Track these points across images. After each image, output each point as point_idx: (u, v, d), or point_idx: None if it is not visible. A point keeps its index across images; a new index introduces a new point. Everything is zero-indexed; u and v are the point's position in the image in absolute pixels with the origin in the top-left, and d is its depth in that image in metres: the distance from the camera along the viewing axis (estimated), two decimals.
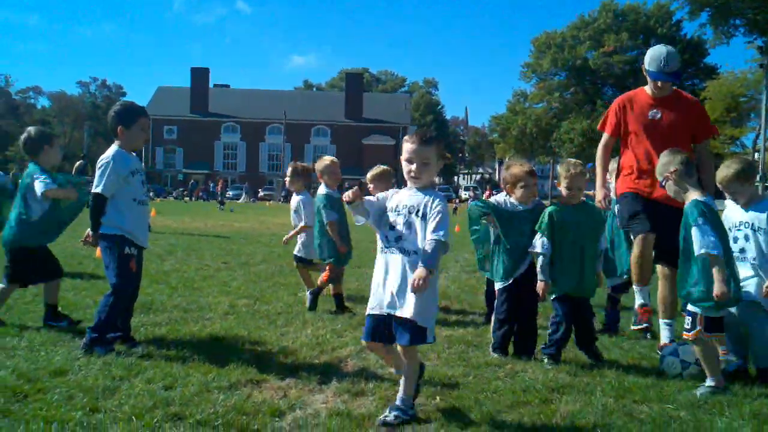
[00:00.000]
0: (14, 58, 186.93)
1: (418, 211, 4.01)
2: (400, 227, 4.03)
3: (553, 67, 73.55)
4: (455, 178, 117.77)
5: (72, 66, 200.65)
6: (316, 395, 4.44)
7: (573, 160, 5.79)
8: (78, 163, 32.88)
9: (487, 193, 45.65)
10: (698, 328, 4.74)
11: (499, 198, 5.93)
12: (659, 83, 6.08)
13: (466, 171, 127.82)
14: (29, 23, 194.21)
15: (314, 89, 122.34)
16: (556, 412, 4.20)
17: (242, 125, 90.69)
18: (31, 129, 6.38)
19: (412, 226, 4.01)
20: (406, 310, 3.89)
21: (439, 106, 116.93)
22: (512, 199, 5.77)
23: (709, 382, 4.74)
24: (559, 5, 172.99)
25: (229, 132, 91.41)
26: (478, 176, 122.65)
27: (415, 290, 3.76)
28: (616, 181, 6.52)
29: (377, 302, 4.06)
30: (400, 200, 4.11)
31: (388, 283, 4.01)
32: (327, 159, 7.65)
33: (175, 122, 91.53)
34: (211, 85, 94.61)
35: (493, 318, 5.85)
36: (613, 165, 6.70)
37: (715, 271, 4.57)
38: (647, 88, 6.24)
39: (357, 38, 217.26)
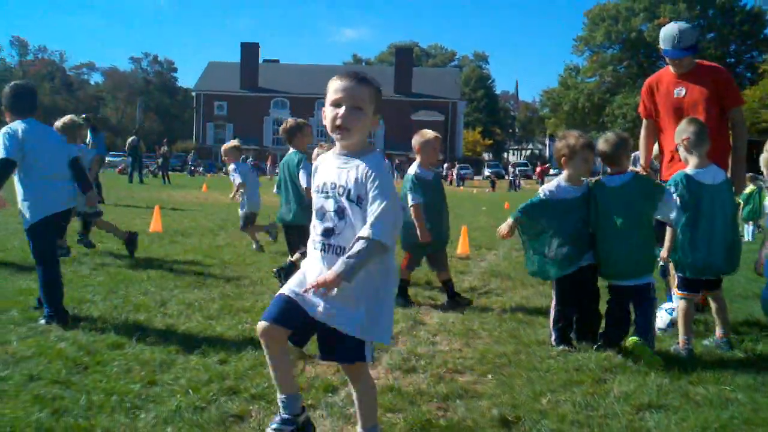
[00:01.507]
0: (68, 35, 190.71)
1: (349, 192, 2.97)
2: (329, 216, 3.02)
3: (606, 40, 72.29)
4: (505, 154, 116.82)
5: (124, 42, 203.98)
6: None
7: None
8: (131, 138, 33.51)
9: (539, 168, 45.07)
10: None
11: (551, 186, 5.41)
12: (676, 60, 5.97)
13: (517, 147, 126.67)
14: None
15: (363, 63, 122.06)
16: (610, 392, 4.16)
17: (291, 100, 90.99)
18: (290, 119, 7.34)
19: (346, 214, 2.99)
20: (339, 320, 2.99)
21: (490, 81, 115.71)
22: (564, 181, 5.37)
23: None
24: None
25: (279, 107, 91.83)
26: (529, 152, 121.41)
27: (308, 289, 2.95)
28: (660, 165, 6.39)
29: (293, 292, 3.08)
30: (327, 176, 3.07)
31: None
32: (429, 134, 6.80)
33: (225, 98, 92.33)
34: (260, 61, 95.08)
35: (552, 310, 5.39)
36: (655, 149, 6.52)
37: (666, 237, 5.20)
38: (671, 67, 6.13)
39: (407, 12, 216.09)
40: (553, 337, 5.26)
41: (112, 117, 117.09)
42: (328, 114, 3.00)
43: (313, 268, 3.05)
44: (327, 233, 3.01)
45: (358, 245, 2.85)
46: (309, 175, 6.90)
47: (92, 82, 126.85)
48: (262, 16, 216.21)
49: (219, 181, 42.28)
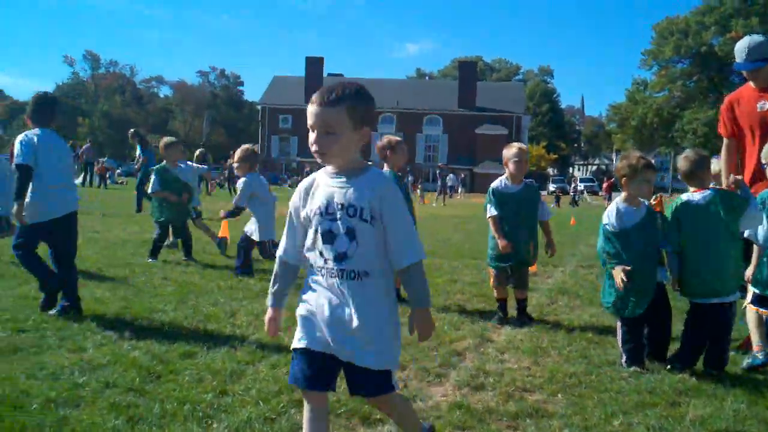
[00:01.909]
0: (138, 49, 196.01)
1: (361, 212, 2.79)
2: (341, 240, 2.82)
3: (675, 54, 70.86)
4: (570, 169, 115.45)
5: (192, 56, 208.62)
6: (435, 387, 4.46)
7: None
8: (198, 151, 34.10)
9: (606, 184, 44.28)
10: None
11: (612, 217, 5.24)
12: (751, 73, 5.85)
13: (582, 162, 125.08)
14: (154, 14, 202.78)
15: (427, 78, 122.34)
16: (685, 416, 4.04)
17: None
18: (386, 136, 7.29)
19: (356, 235, 2.80)
20: (366, 357, 2.83)
21: (555, 95, 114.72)
22: (622, 203, 5.27)
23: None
24: None
25: None
26: (594, 167, 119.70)
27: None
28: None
29: (313, 338, 2.92)
30: (328, 197, 2.86)
31: (330, 321, 2.85)
32: (515, 146, 6.67)
33: (289, 111, 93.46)
34: (325, 75, 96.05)
35: (618, 330, 5.28)
36: (715, 166, 6.30)
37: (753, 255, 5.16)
38: (751, 82, 5.97)
39: (471, 26, 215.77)
40: (623, 358, 5.14)
41: (179, 130, 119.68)
42: (310, 138, 2.87)
43: (323, 300, 2.88)
44: (339, 258, 2.81)
45: (414, 275, 2.82)
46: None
47: (161, 95, 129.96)
48: (327, 31, 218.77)
49: (283, 193, 42.84)
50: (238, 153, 8.46)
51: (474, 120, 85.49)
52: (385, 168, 7.28)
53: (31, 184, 5.73)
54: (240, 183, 8.40)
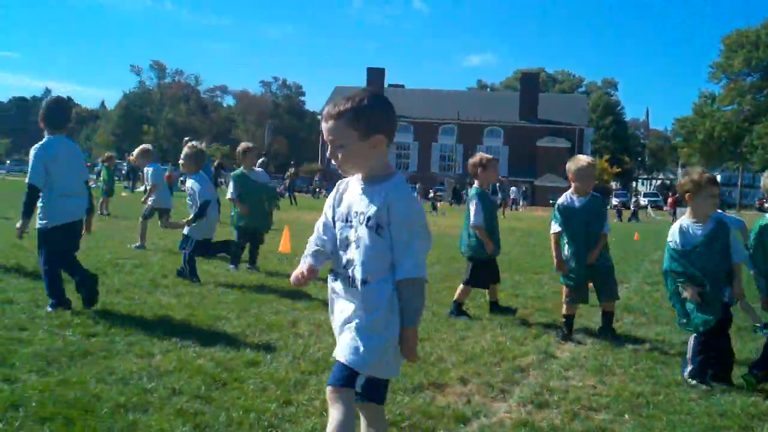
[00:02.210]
0: (204, 59, 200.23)
1: (368, 219, 2.79)
2: (352, 247, 2.86)
3: (745, 67, 69.27)
4: (634, 183, 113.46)
5: (255, 66, 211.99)
6: (499, 403, 4.41)
7: None
8: (260, 160, 34.57)
9: (671, 199, 43.39)
10: None
11: (676, 236, 5.21)
12: None
13: (646, 176, 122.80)
14: (219, 24, 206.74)
15: (488, 89, 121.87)
16: None
17: (415, 125, 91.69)
18: (478, 154, 7.40)
19: (362, 243, 2.81)
20: (348, 353, 2.85)
21: (619, 108, 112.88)
22: (687, 220, 5.22)
23: None
24: (754, 1, 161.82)
25: (403, 131, 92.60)
26: (659, 182, 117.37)
27: (412, 358, 2.84)
28: None
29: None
30: (351, 203, 2.90)
31: (338, 325, 2.99)
32: (583, 160, 6.58)
33: None
34: (386, 85, 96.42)
35: (692, 340, 5.21)
36: None
37: None
38: None
39: (533, 38, 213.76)
40: (689, 368, 5.09)
41: (242, 139, 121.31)
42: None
43: (336, 305, 2.97)
44: (348, 265, 2.85)
45: (405, 290, 2.75)
46: (478, 209, 7.09)
47: (225, 105, 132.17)
48: (390, 42, 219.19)
49: None
50: (186, 150, 8.41)
51: (535, 132, 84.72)
52: (476, 184, 7.27)
53: (41, 194, 5.99)
54: (190, 183, 8.33)
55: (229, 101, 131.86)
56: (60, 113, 6.36)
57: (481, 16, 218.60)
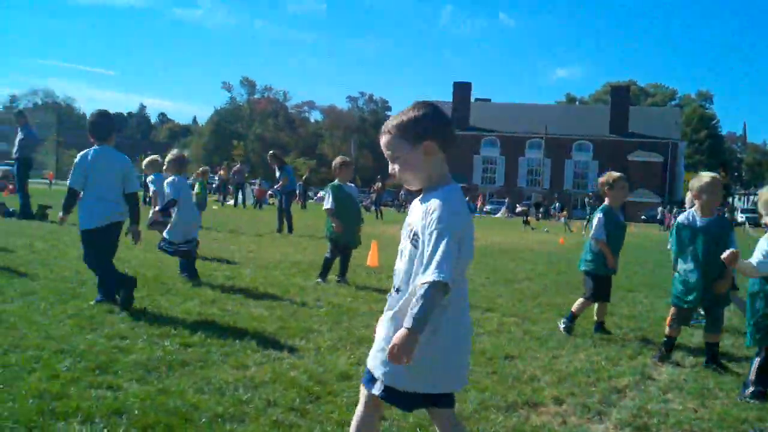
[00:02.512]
0: (292, 75, 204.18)
1: (411, 231, 2.87)
2: (398, 257, 2.97)
3: None
4: (730, 199, 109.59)
5: (343, 81, 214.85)
6: (596, 425, 4.30)
7: None
8: None
9: None
10: None
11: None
12: None
13: (743, 191, 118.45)
14: (307, 40, 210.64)
15: (577, 103, 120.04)
16: None
17: (502, 139, 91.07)
18: (610, 173, 7.36)
19: (403, 255, 2.91)
20: (369, 360, 3.00)
21: (714, 121, 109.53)
22: None
23: None
24: None
25: (489, 146, 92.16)
26: (757, 197, 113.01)
27: (390, 358, 2.65)
28: None
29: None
30: (409, 215, 2.97)
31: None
32: (707, 176, 6.30)
33: None
34: (472, 99, 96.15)
35: (756, 362, 5.09)
36: None
37: None
38: None
39: (624, 50, 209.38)
40: (750, 389, 4.99)
41: (328, 153, 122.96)
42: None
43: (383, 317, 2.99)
44: (395, 274, 2.96)
45: (418, 292, 2.63)
46: (600, 224, 7.07)
47: (312, 120, 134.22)
48: (476, 56, 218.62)
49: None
50: (169, 157, 9.09)
51: (626, 146, 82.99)
52: (606, 202, 7.21)
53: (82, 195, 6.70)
54: (168, 181, 8.83)
55: (316, 116, 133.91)
56: (103, 126, 6.93)
57: (569, 29, 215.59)
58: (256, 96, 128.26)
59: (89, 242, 6.63)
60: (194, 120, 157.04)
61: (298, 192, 36.99)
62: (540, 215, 55.80)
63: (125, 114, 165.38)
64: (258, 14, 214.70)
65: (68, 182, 6.71)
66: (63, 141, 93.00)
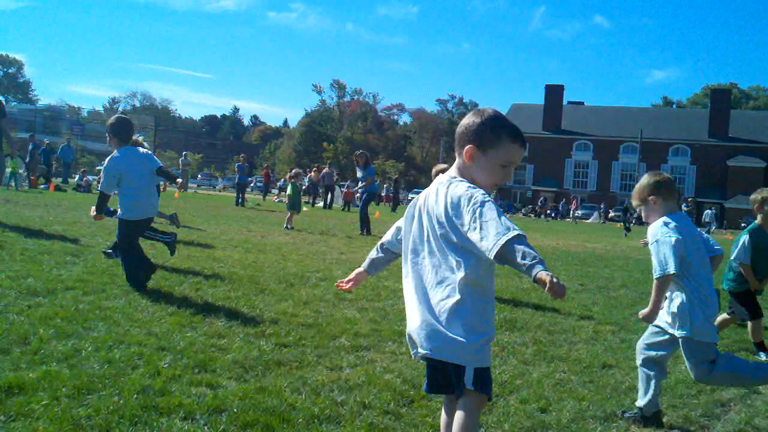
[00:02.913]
0: (382, 78, 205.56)
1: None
2: None
3: None
4: None
5: (432, 84, 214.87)
6: None
7: None
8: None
9: None
10: None
11: None
12: None
13: None
14: (397, 44, 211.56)
15: (674, 106, 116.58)
16: None
17: (595, 143, 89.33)
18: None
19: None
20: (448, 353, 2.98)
21: None
22: None
23: None
24: None
25: (581, 150, 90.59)
26: None
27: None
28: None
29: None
30: None
31: None
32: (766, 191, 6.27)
33: (527, 139, 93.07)
34: (564, 103, 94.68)
35: None
36: None
37: None
38: None
39: (724, 51, 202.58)
40: None
41: (416, 156, 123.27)
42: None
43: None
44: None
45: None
46: (744, 246, 6.73)
47: (401, 123, 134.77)
48: (569, 58, 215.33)
49: (519, 224, 42.48)
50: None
51: (726, 151, 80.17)
52: (757, 220, 6.88)
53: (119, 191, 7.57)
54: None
55: (405, 119, 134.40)
56: (125, 130, 7.69)
57: (666, 30, 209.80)
58: (345, 99, 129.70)
59: (127, 231, 7.54)
60: (285, 122, 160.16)
61: (383, 194, 37.11)
62: (632, 221, 54.44)
63: (219, 116, 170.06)
64: (349, 18, 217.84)
65: (100, 187, 7.64)
66: (160, 142, 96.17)
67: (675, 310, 4.19)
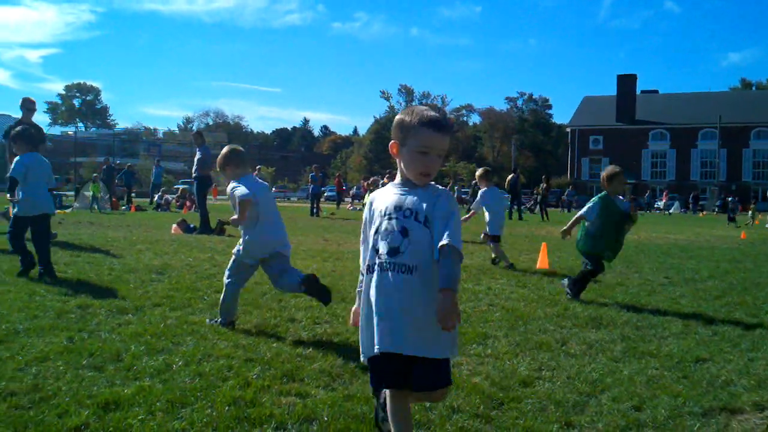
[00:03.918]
0: (449, 80, 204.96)
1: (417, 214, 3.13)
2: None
3: None
4: None
5: (500, 83, 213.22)
6: None
7: None
8: (510, 176, 34.61)
9: None
10: None
11: None
12: None
13: None
14: (463, 44, 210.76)
15: (753, 88, 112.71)
16: None
17: (671, 131, 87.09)
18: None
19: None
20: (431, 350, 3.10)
21: None
22: None
23: None
24: None
25: (658, 139, 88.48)
26: None
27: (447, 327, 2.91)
28: None
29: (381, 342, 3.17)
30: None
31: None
32: None
33: (600, 132, 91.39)
34: (637, 92, 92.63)
35: None
36: None
37: None
38: None
39: None
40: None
41: (487, 155, 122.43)
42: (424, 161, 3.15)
43: (381, 292, 3.10)
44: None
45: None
46: None
47: (470, 123, 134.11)
48: (640, 47, 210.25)
49: None
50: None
51: None
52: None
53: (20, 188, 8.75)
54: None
55: (475, 119, 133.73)
56: (31, 138, 9.05)
57: (740, 9, 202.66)
58: (414, 103, 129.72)
59: (16, 225, 8.87)
60: (355, 131, 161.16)
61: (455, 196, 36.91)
62: (716, 209, 52.82)
63: (290, 129, 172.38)
64: (413, 22, 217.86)
65: (9, 173, 8.77)
66: None
67: None
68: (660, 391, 4.59)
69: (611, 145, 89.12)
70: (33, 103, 13.56)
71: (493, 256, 11.94)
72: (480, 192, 12.37)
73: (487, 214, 12.02)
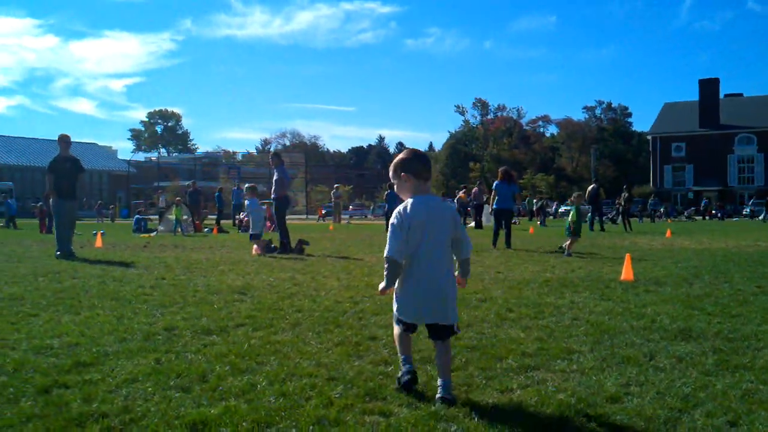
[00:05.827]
0: (525, 91, 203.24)
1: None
2: None
3: None
4: None
5: (577, 92, 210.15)
6: None
7: None
8: (591, 187, 33.97)
9: None
10: None
11: None
12: None
13: None
14: (537, 56, 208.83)
15: None
16: None
17: (759, 135, 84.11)
18: None
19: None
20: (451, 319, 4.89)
21: None
22: None
23: None
24: None
25: (744, 144, 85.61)
26: None
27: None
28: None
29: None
30: None
31: None
32: None
33: (683, 138, 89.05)
34: (721, 96, 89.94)
35: None
36: None
37: None
38: None
39: None
40: None
41: (566, 166, 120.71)
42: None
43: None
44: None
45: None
46: None
47: (547, 134, 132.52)
48: (722, 50, 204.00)
49: (682, 227, 40.61)
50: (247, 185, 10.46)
51: None
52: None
53: None
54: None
55: (552, 130, 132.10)
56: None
57: None
58: (489, 116, 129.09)
59: None
60: (430, 146, 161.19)
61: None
62: None
63: (365, 147, 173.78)
64: (486, 35, 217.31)
65: None
66: (311, 178, 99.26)
67: None
68: (756, 405, 4.39)
69: (694, 152, 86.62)
70: (68, 137, 16.26)
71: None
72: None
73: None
